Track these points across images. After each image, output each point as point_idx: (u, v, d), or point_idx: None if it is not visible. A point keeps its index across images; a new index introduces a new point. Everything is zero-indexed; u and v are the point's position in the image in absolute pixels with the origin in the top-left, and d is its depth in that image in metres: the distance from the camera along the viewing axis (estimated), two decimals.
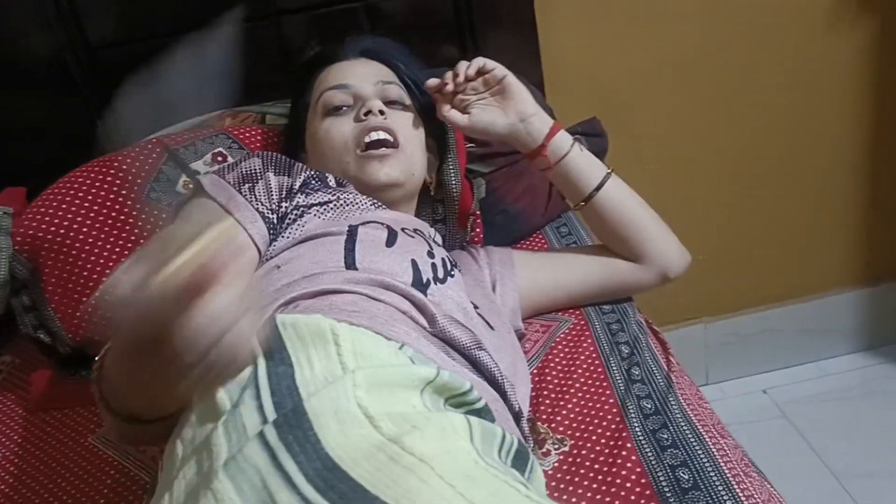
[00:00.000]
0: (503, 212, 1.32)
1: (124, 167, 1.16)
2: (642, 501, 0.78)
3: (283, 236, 0.87)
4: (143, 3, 1.40)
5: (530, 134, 1.03)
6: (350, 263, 0.80)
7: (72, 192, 1.14)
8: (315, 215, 0.90)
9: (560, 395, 0.95)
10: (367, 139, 0.99)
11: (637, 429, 0.87)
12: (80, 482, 0.97)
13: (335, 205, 0.92)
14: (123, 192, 1.15)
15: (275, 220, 0.89)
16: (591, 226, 1.10)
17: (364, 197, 0.96)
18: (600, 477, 0.82)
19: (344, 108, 1.03)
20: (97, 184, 1.15)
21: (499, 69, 1.01)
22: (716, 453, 0.82)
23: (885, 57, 1.70)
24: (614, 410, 0.91)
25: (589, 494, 0.80)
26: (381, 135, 0.99)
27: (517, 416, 0.80)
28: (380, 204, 0.97)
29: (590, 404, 0.93)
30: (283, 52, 1.46)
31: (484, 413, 0.66)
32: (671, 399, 0.91)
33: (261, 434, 0.51)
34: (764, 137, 1.75)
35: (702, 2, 1.60)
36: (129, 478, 0.96)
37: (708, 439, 0.84)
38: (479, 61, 1.01)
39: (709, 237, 1.79)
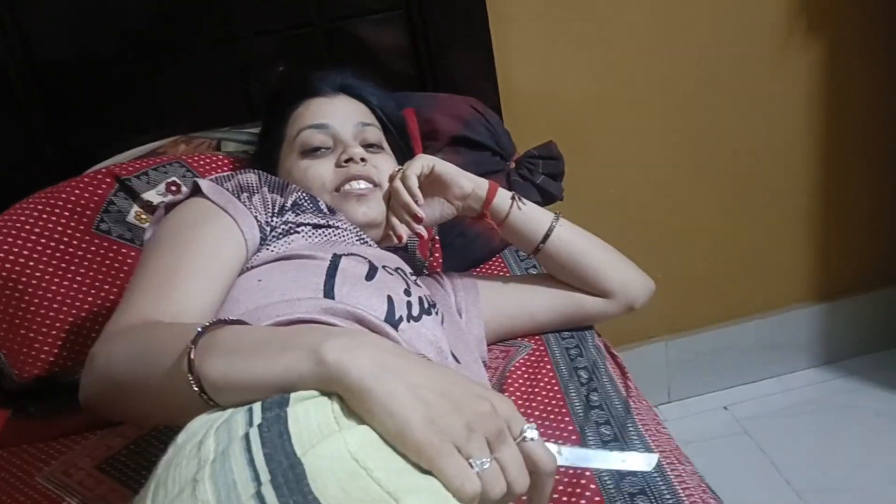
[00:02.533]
0: (461, 234, 1.32)
1: (73, 198, 1.14)
2: None
3: (268, 248, 0.87)
4: (92, 26, 1.38)
5: (473, 207, 1.04)
6: (328, 292, 0.80)
7: (18, 225, 1.11)
8: (303, 235, 0.90)
9: None
10: (346, 187, 0.99)
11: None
12: None
13: (324, 231, 0.92)
14: (72, 224, 1.12)
15: (267, 231, 0.89)
16: (549, 270, 1.10)
17: (352, 228, 0.96)
18: (556, 495, 0.81)
19: (322, 150, 1.03)
20: (44, 216, 1.12)
21: (425, 166, 0.99)
22: (673, 480, 0.82)
23: (834, 78, 1.74)
24: (573, 437, 0.90)
25: None
26: (363, 184, 1.00)
27: None
28: (366, 239, 0.97)
29: (549, 431, 0.92)
30: (240, 76, 1.45)
31: None
32: (629, 425, 0.92)
33: (258, 495, 0.49)
34: (718, 157, 1.77)
35: (655, 25, 1.62)
36: None
37: (666, 466, 0.84)
38: (407, 179, 0.98)
39: (667, 256, 1.81)
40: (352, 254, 0.88)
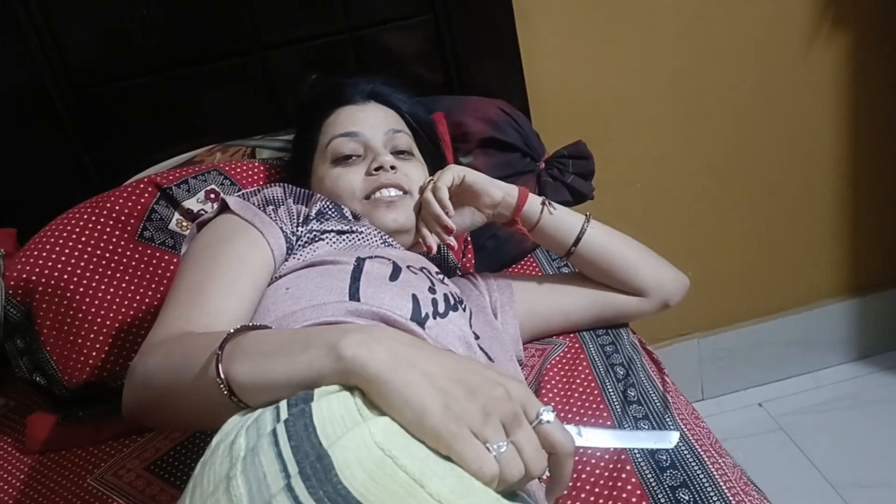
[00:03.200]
0: (493, 237, 1.33)
1: (116, 208, 1.17)
2: None
3: (294, 257, 0.90)
4: (126, 39, 1.41)
5: (504, 214, 1.05)
6: (353, 294, 0.82)
7: (64, 234, 1.14)
8: (327, 242, 0.93)
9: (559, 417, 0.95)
10: (377, 195, 1.02)
11: (636, 451, 0.87)
12: None
13: (348, 237, 0.95)
14: (116, 232, 1.15)
15: (293, 241, 0.92)
16: (583, 271, 1.11)
17: (376, 232, 0.98)
18: (601, 501, 0.82)
19: (354, 158, 1.05)
20: (90, 225, 1.15)
21: (455, 177, 1.00)
22: (715, 473, 0.82)
23: (861, 72, 1.73)
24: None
25: None
26: (393, 192, 1.02)
27: None
28: (390, 242, 0.99)
29: (588, 425, 0.93)
30: (270, 85, 1.47)
31: None
32: (668, 419, 0.92)
33: (289, 487, 0.50)
34: (746, 154, 1.77)
35: (680, 22, 1.62)
36: None
37: (706, 459, 0.85)
38: (438, 191, 0.99)
39: (698, 253, 1.81)
40: (376, 256, 0.90)
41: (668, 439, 0.71)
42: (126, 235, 1.16)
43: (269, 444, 0.53)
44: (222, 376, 0.62)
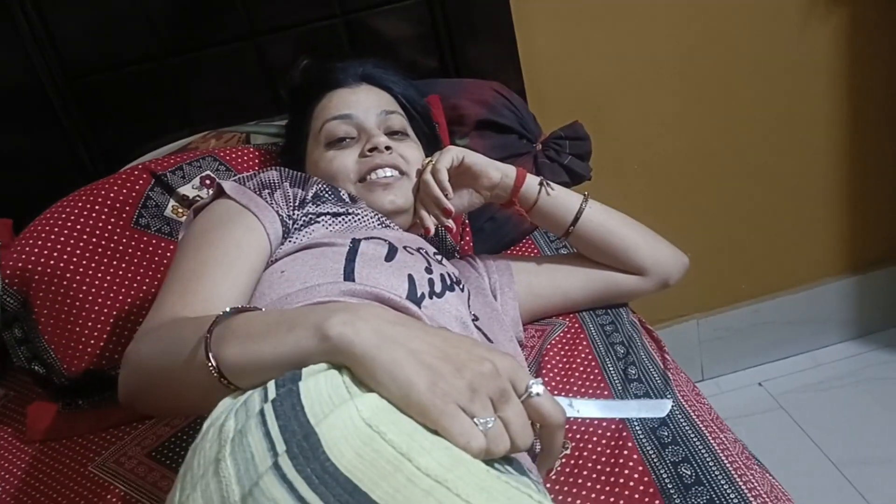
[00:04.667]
0: (491, 219, 1.33)
1: (111, 195, 1.16)
2: (646, 499, 0.78)
3: (290, 240, 0.90)
4: (120, 30, 1.40)
5: (501, 196, 1.05)
6: (349, 275, 0.82)
7: (59, 222, 1.13)
8: (323, 225, 0.92)
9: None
10: (373, 176, 1.01)
11: (637, 427, 0.87)
12: None
13: (344, 218, 0.94)
14: (112, 220, 1.15)
15: (290, 225, 0.92)
16: (582, 251, 1.11)
17: (372, 214, 0.98)
18: (603, 477, 0.82)
19: (347, 140, 1.04)
20: (85, 213, 1.15)
21: (454, 158, 1.00)
22: (716, 448, 0.83)
23: (858, 49, 1.72)
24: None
25: (593, 495, 0.80)
26: (388, 171, 1.01)
27: None
28: (387, 223, 0.98)
29: None
30: (265, 71, 1.47)
31: None
32: (669, 396, 0.92)
33: (276, 466, 0.51)
34: (743, 133, 1.77)
35: (676, 4, 1.62)
36: None
37: (708, 434, 0.85)
38: (437, 172, 0.99)
39: (696, 233, 1.81)
40: (372, 237, 0.90)
41: (661, 407, 0.71)
42: (121, 223, 1.15)
43: (257, 424, 0.54)
44: (212, 359, 0.62)
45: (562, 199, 1.06)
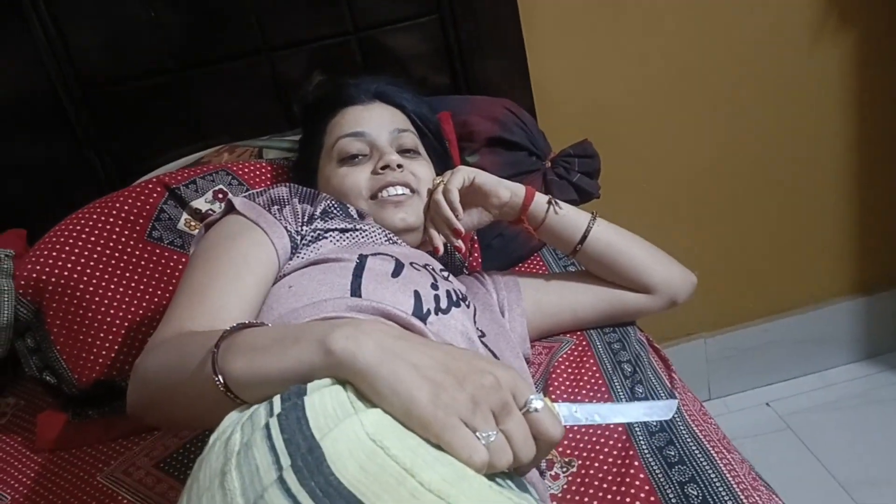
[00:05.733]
0: (500, 235, 1.33)
1: (125, 208, 1.17)
2: None
3: (298, 255, 0.91)
4: (135, 41, 1.42)
5: (510, 214, 1.06)
6: (355, 290, 0.83)
7: (74, 234, 1.15)
8: (331, 240, 0.94)
9: None
10: (384, 194, 1.02)
11: (644, 446, 0.87)
12: None
13: (351, 234, 0.95)
14: (125, 232, 1.16)
15: (298, 240, 0.93)
16: (590, 269, 1.11)
17: (380, 230, 0.99)
18: (609, 496, 0.82)
19: (360, 157, 1.05)
20: (99, 225, 1.16)
21: (465, 178, 1.01)
22: (723, 468, 0.82)
23: (867, 69, 1.73)
24: (620, 429, 0.91)
25: None
26: (399, 189, 1.02)
27: None
28: (394, 239, 0.99)
29: (596, 425, 0.93)
30: (278, 86, 1.48)
31: None
32: (676, 416, 0.92)
33: (281, 480, 0.51)
34: (752, 152, 1.77)
35: (687, 21, 1.63)
36: None
37: (715, 454, 0.85)
38: (448, 193, 1.00)
39: (704, 252, 1.81)
40: (378, 253, 0.91)
41: (667, 409, 0.71)
42: (135, 235, 1.16)
43: (262, 437, 0.54)
44: (218, 373, 0.63)
45: (570, 218, 1.07)
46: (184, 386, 0.69)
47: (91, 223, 1.16)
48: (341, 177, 1.04)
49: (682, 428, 0.90)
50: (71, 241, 1.14)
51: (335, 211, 0.99)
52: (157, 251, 1.16)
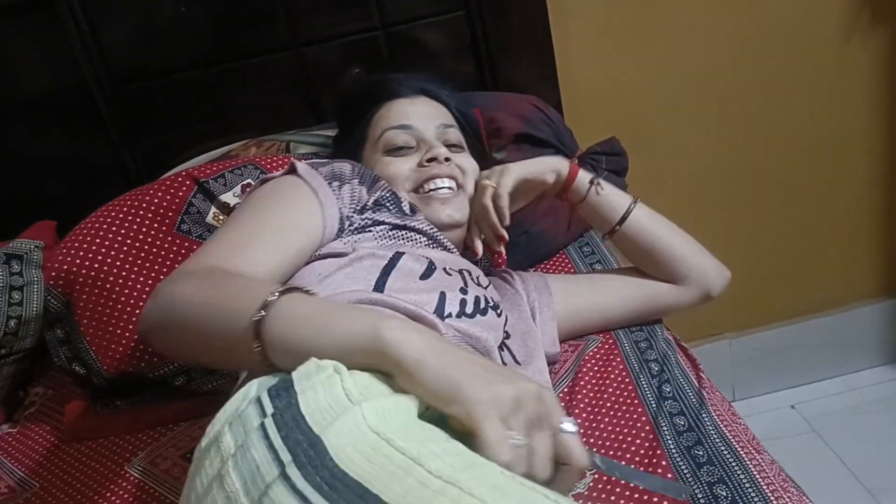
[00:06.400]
0: (525, 233, 1.33)
1: (155, 201, 1.18)
2: None
3: (340, 239, 0.90)
4: (165, 37, 1.43)
5: (552, 191, 1.06)
6: (379, 286, 0.83)
7: (104, 227, 1.16)
8: (374, 235, 0.92)
9: (592, 415, 0.95)
10: (430, 186, 1.01)
11: (671, 446, 0.87)
12: None
13: (397, 233, 0.94)
14: (155, 225, 1.17)
15: (345, 225, 0.92)
16: (624, 253, 1.10)
17: (428, 227, 0.97)
18: (636, 495, 0.81)
19: (405, 149, 1.05)
20: (129, 218, 1.17)
21: (516, 180, 1.00)
22: (752, 469, 0.81)
23: None
24: (647, 428, 0.91)
25: None
26: (446, 182, 1.02)
27: None
28: (439, 240, 0.98)
29: (622, 422, 0.93)
30: (306, 81, 1.49)
31: None
32: (704, 415, 0.91)
33: (284, 476, 0.51)
34: (783, 152, 1.75)
35: (716, 20, 1.61)
36: None
37: (744, 455, 0.84)
38: (499, 199, 0.99)
39: (731, 252, 1.77)
40: (415, 254, 0.90)
41: (683, 490, 0.71)
42: (164, 228, 1.17)
43: (259, 437, 0.54)
44: (260, 334, 0.63)
45: (611, 198, 1.06)
46: (215, 325, 0.68)
47: (121, 216, 1.17)
48: (385, 164, 1.04)
49: (710, 428, 0.89)
50: (101, 234, 1.15)
51: (388, 203, 0.97)
52: (186, 244, 1.17)
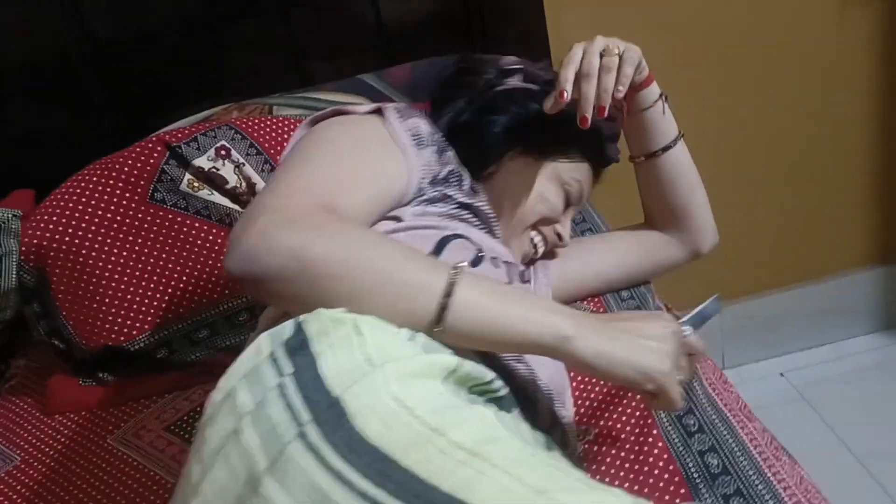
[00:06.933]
0: None
1: (125, 169, 1.14)
2: (671, 488, 0.76)
3: (409, 206, 0.84)
4: (148, 1, 1.39)
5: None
6: None
7: (74, 197, 1.12)
8: (439, 209, 0.86)
9: (582, 383, 0.94)
10: (538, 240, 0.98)
11: (662, 415, 0.85)
12: (100, 483, 0.97)
13: (460, 211, 0.88)
14: (126, 195, 1.13)
15: (417, 193, 0.85)
16: (644, 186, 1.07)
17: (489, 213, 0.92)
18: (627, 465, 0.80)
19: (554, 203, 0.98)
20: (99, 188, 1.13)
21: (641, 59, 0.93)
22: (744, 437, 0.81)
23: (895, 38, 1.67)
24: (637, 397, 0.89)
25: (616, 483, 0.79)
26: (543, 248, 1.00)
27: (552, 425, 0.78)
28: (489, 230, 0.92)
29: (612, 390, 0.92)
30: (292, 45, 1.45)
31: (506, 401, 0.65)
32: (695, 384, 0.90)
33: (301, 435, 0.51)
34: (776, 119, 1.73)
35: None
36: (150, 477, 0.96)
37: (735, 423, 0.83)
38: (626, 65, 0.88)
39: (722, 220, 1.75)
40: (468, 238, 0.85)
41: (715, 305, 0.86)
42: (136, 198, 1.13)
43: (277, 396, 0.54)
44: (442, 319, 0.63)
45: (667, 122, 1.03)
46: (379, 290, 0.63)
47: (91, 186, 1.12)
48: (536, 195, 0.96)
49: (701, 397, 0.88)
50: (71, 205, 1.11)
51: (454, 179, 0.90)
52: (161, 213, 1.13)
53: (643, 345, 0.66)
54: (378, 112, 0.86)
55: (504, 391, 0.65)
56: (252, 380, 0.57)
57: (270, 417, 0.53)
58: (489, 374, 0.63)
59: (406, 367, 0.56)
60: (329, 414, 0.51)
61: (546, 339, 0.64)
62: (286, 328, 0.60)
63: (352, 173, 0.77)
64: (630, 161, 1.07)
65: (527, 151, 0.97)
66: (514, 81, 1.02)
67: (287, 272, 0.63)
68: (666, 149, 1.02)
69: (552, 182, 0.97)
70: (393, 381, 0.53)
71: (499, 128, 0.96)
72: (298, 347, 0.57)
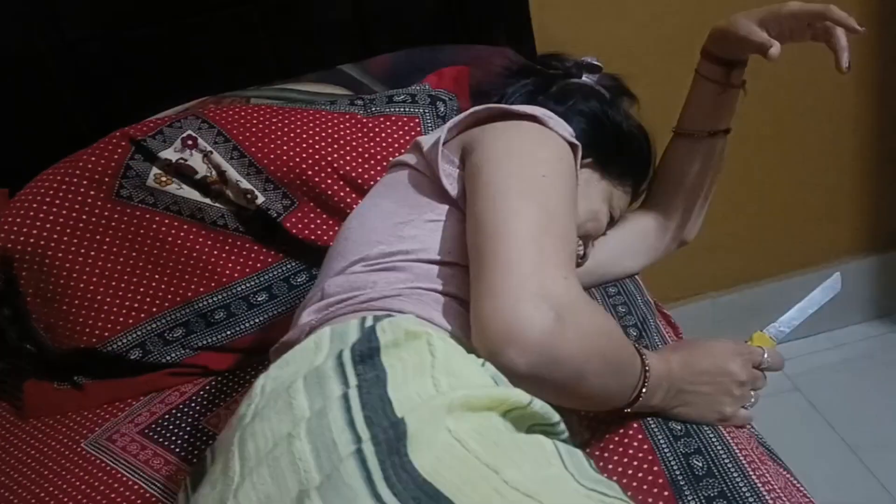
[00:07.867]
0: None
1: (90, 167, 1.10)
2: (655, 490, 0.75)
3: None
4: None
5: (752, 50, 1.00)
6: None
7: (38, 198, 1.09)
8: None
9: None
10: (580, 248, 0.97)
11: (648, 417, 0.83)
12: (72, 488, 0.95)
13: None
14: (92, 193, 1.09)
15: None
16: (687, 159, 1.07)
17: None
18: (610, 466, 0.78)
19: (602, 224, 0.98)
20: (63, 187, 1.09)
21: None
22: (730, 440, 0.79)
23: (886, 25, 1.65)
24: None
25: None
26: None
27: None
28: None
29: None
30: (269, 36, 1.41)
31: (567, 441, 0.64)
32: None
33: (358, 452, 0.49)
34: (768, 108, 1.70)
35: None
36: (123, 483, 0.94)
37: (721, 427, 0.81)
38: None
39: (712, 210, 1.74)
40: None
41: (834, 284, 0.96)
42: (102, 195, 1.09)
43: (341, 409, 0.53)
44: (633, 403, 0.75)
45: (732, 108, 1.06)
46: (605, 382, 0.70)
47: (55, 185, 1.09)
48: (596, 211, 0.96)
49: None
50: (35, 205, 1.08)
51: None
52: (128, 210, 1.09)
53: (715, 400, 0.80)
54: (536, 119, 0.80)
55: (565, 434, 0.63)
56: (312, 382, 0.56)
57: (331, 431, 0.52)
58: (555, 416, 0.61)
59: (474, 398, 0.54)
60: (391, 435, 0.50)
61: (633, 408, 0.76)
62: (352, 328, 0.59)
63: (573, 229, 0.72)
64: (680, 134, 1.09)
65: (596, 164, 0.97)
66: (590, 80, 1.10)
67: (568, 381, 0.64)
68: (727, 131, 1.05)
69: (605, 203, 0.98)
70: (458, 409, 0.52)
71: (583, 123, 0.97)
72: (368, 356, 0.56)
